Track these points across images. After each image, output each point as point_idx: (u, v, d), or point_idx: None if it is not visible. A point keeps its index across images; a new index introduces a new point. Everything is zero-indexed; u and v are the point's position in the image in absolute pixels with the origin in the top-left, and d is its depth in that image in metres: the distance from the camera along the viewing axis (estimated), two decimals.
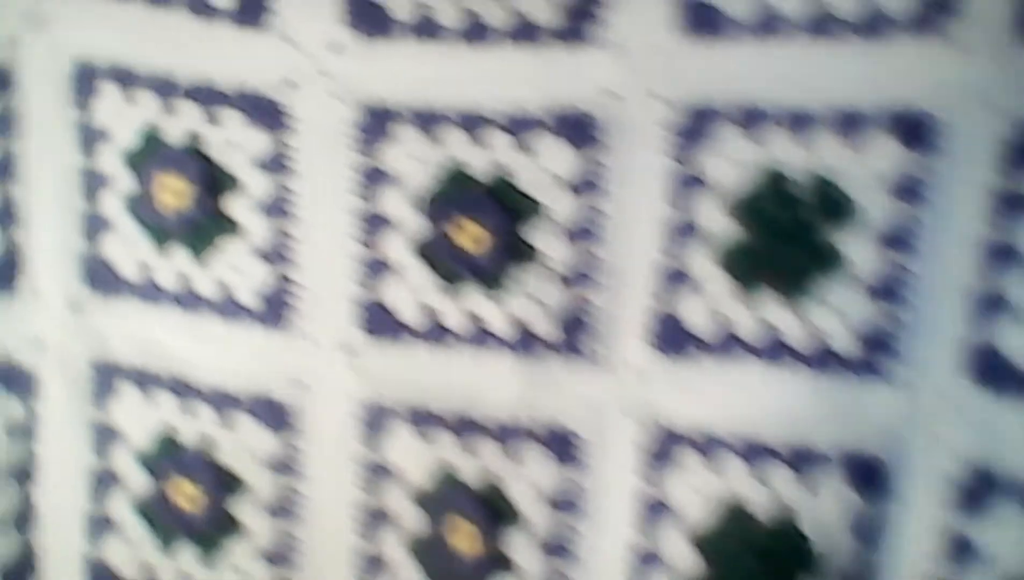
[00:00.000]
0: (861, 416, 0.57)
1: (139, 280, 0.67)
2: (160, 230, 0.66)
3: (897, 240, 0.55)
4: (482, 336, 0.62)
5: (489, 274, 0.61)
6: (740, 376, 0.58)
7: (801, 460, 0.58)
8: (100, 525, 0.71)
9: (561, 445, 0.62)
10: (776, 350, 0.58)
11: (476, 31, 0.59)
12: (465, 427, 0.63)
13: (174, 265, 0.66)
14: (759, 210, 0.57)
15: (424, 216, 0.62)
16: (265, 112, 0.63)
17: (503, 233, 0.60)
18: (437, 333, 0.62)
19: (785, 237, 0.57)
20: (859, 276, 0.56)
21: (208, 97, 0.63)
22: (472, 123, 0.60)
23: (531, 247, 0.60)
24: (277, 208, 0.64)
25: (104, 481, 0.70)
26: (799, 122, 0.55)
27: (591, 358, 0.61)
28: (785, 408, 0.58)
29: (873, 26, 0.53)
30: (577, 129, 0.58)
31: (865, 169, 0.55)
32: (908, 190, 0.55)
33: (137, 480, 0.69)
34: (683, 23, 0.56)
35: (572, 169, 0.59)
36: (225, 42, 0.62)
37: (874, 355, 0.57)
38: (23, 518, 0.71)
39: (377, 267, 0.63)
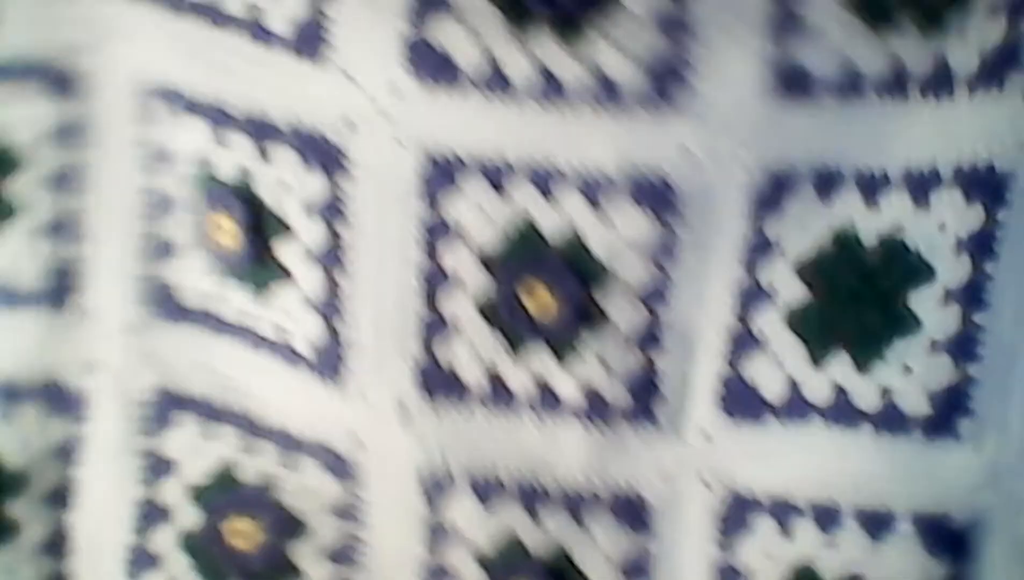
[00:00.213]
0: (936, 477, 0.57)
1: (204, 309, 0.65)
2: (218, 265, 0.63)
3: (968, 297, 0.55)
4: (549, 401, 0.60)
5: (557, 339, 0.59)
6: (812, 440, 0.58)
7: (875, 523, 0.58)
8: (142, 559, 0.67)
9: (631, 512, 0.61)
10: (848, 412, 0.57)
11: (551, 89, 0.55)
12: (531, 494, 0.61)
13: (236, 300, 0.64)
14: (830, 273, 0.56)
15: (489, 275, 0.59)
16: (320, 152, 0.59)
17: (574, 298, 0.58)
18: (500, 396, 0.60)
19: (856, 299, 0.57)
20: (931, 335, 0.56)
21: (261, 131, 0.60)
22: (544, 180, 0.57)
23: (602, 311, 0.58)
24: (330, 257, 0.60)
25: (151, 514, 0.67)
26: (871, 184, 0.55)
27: (661, 424, 0.60)
28: (858, 471, 0.58)
29: (942, 84, 0.53)
30: (655, 194, 0.56)
31: (935, 227, 0.55)
32: (978, 246, 0.55)
33: (187, 515, 0.67)
34: (773, 86, 0.54)
35: (647, 234, 0.57)
36: (281, 72, 0.59)
37: (947, 415, 0.56)
38: (55, 546, 0.67)
39: (437, 325, 0.60)
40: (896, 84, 0.53)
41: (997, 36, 0.53)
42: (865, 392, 0.57)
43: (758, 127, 0.55)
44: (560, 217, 0.57)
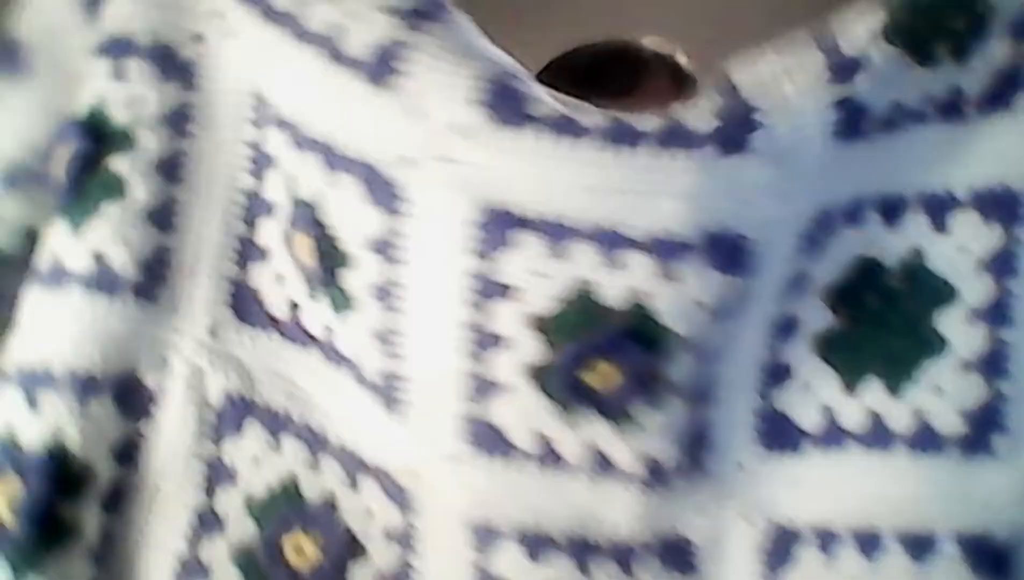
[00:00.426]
0: (974, 496, 0.57)
1: (287, 319, 0.62)
2: (304, 278, 0.61)
3: (993, 315, 0.56)
4: (601, 464, 0.57)
5: (615, 410, 0.56)
6: (849, 466, 0.58)
7: (917, 546, 0.58)
8: (192, 568, 0.63)
9: (678, 557, 0.59)
10: (883, 437, 0.58)
11: (623, 134, 0.54)
12: (579, 546, 0.59)
13: (320, 314, 0.61)
14: (856, 299, 0.57)
15: (544, 341, 0.55)
16: (380, 186, 0.56)
17: (635, 371, 0.55)
18: (550, 458, 0.57)
19: (883, 324, 0.57)
20: (959, 354, 0.57)
21: (330, 154, 0.58)
22: (608, 241, 0.54)
23: (664, 379, 0.56)
24: (386, 293, 0.58)
25: (207, 522, 0.63)
26: (891, 209, 0.56)
27: (708, 471, 0.59)
28: (897, 495, 0.58)
29: (954, 108, 0.55)
30: (724, 246, 0.53)
31: (955, 249, 0.56)
32: (999, 265, 0.56)
33: (243, 527, 0.62)
34: (835, 126, 0.54)
35: (716, 294, 0.54)
36: (352, 96, 0.57)
37: (982, 432, 0.57)
38: (107, 550, 0.62)
39: (484, 383, 0.57)
40: (917, 112, 0.55)
41: (1004, 59, 0.55)
42: (899, 415, 0.57)
43: (821, 167, 0.55)
44: (623, 281, 0.54)
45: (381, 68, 0.56)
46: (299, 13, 0.58)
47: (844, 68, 0.54)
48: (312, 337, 0.62)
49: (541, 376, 0.56)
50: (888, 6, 0.55)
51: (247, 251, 0.63)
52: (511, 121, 0.54)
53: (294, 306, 0.62)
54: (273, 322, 0.63)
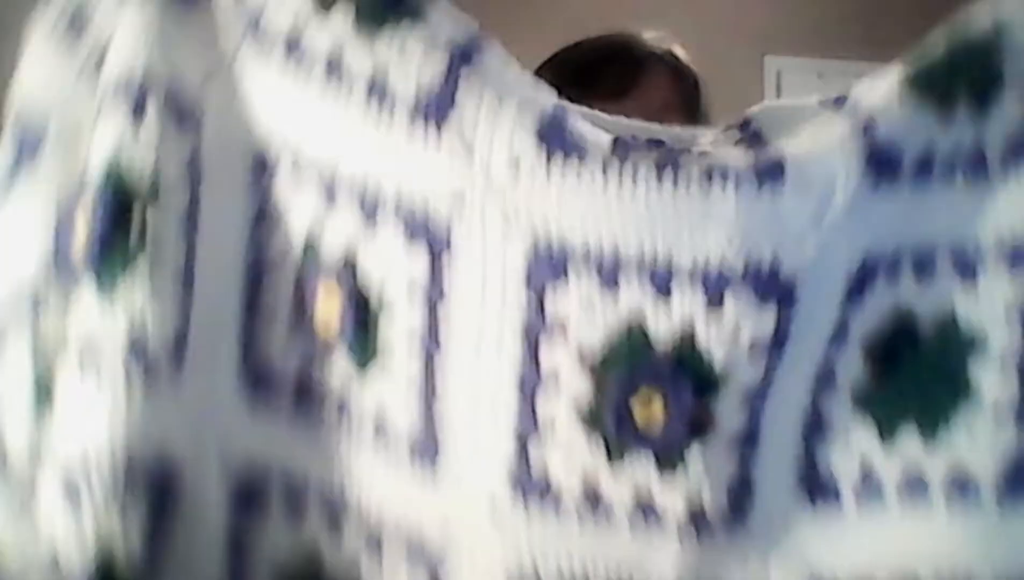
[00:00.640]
0: (1014, 545, 0.56)
1: (300, 380, 0.60)
2: (318, 337, 0.59)
3: None
4: (648, 513, 0.55)
5: (664, 451, 0.55)
6: (888, 519, 0.57)
7: None
8: None
9: None
10: (921, 488, 0.57)
11: (669, 166, 0.54)
12: None
13: (337, 373, 0.59)
14: (891, 350, 0.57)
15: (593, 378, 0.54)
16: (425, 227, 0.56)
17: (683, 408, 0.54)
18: (595, 506, 0.56)
19: (917, 375, 0.57)
20: (993, 403, 0.56)
21: (369, 199, 0.56)
22: (658, 274, 0.53)
23: (712, 418, 0.55)
24: (430, 340, 0.56)
25: None
26: (924, 263, 0.57)
27: (751, 520, 0.57)
28: (936, 547, 0.57)
29: (979, 165, 0.56)
30: (771, 285, 0.53)
31: (984, 301, 0.57)
32: None
33: None
34: (865, 178, 0.54)
35: (761, 329, 0.53)
36: (396, 135, 0.55)
37: (1019, 480, 0.56)
38: None
39: (532, 425, 0.55)
40: (945, 165, 0.56)
41: (1022, 113, 0.56)
42: (935, 466, 0.57)
43: (853, 214, 0.55)
44: (672, 314, 0.54)
45: (431, 106, 0.55)
46: (334, 58, 0.56)
47: (869, 119, 0.55)
48: (327, 398, 0.59)
49: (590, 414, 0.55)
50: (909, 59, 0.56)
51: (255, 309, 0.60)
52: (562, 155, 0.54)
53: (306, 369, 0.60)
54: (285, 387, 0.60)
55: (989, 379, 0.56)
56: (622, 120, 0.59)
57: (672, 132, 0.60)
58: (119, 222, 0.55)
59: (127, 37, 0.57)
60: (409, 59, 0.55)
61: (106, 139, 0.56)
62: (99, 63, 0.58)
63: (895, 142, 0.55)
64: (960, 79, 0.55)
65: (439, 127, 0.55)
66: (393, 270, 0.57)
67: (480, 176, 0.55)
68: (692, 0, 2.50)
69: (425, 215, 0.56)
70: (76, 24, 0.59)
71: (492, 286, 0.55)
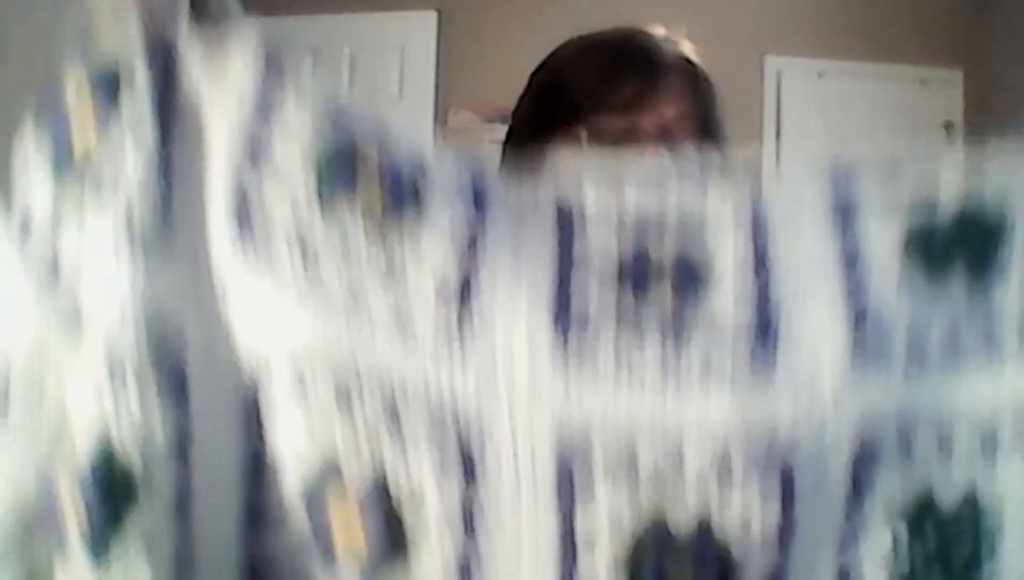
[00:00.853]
0: None
1: None
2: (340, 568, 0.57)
3: None
4: None
5: None
6: None
7: None
8: None
9: None
10: None
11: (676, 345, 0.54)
12: None
13: None
14: (917, 526, 0.56)
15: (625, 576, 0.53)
16: (456, 445, 0.54)
17: None
18: None
19: (943, 551, 0.56)
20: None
21: (389, 401, 0.55)
22: (672, 462, 0.53)
23: None
24: (466, 566, 0.55)
25: None
26: (943, 443, 0.56)
27: None
28: None
29: (993, 343, 0.56)
30: (773, 467, 0.53)
31: (1004, 482, 0.56)
32: None
33: None
34: (854, 352, 0.54)
35: (769, 511, 0.53)
36: (416, 338, 0.54)
37: None
38: None
39: None
40: (954, 345, 0.55)
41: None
42: None
43: (843, 388, 0.54)
44: (688, 501, 0.53)
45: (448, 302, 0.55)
46: (347, 290, 0.55)
47: (860, 280, 0.55)
48: None
49: None
50: (907, 220, 0.55)
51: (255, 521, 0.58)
52: (582, 331, 0.54)
53: None
54: None
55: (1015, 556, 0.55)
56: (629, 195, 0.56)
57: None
58: (113, 511, 0.54)
59: (104, 268, 0.55)
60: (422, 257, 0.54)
61: (89, 423, 0.54)
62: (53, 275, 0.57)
63: (886, 329, 0.54)
64: (958, 245, 0.54)
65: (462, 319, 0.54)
66: (430, 494, 0.54)
67: (503, 366, 0.54)
68: (692, 0, 2.50)
69: (450, 422, 0.54)
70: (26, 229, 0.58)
71: (525, 500, 0.54)
